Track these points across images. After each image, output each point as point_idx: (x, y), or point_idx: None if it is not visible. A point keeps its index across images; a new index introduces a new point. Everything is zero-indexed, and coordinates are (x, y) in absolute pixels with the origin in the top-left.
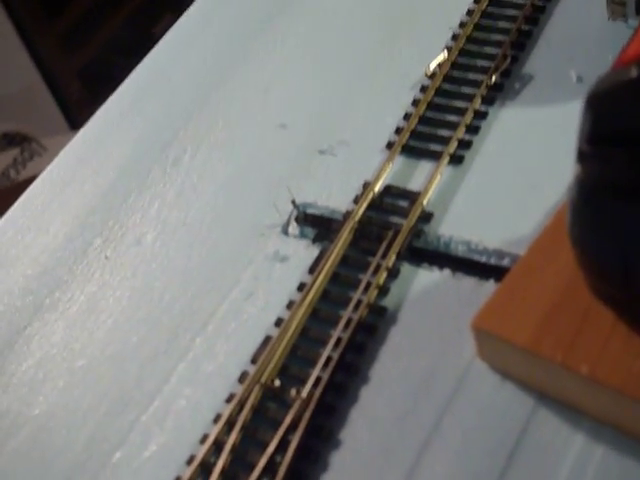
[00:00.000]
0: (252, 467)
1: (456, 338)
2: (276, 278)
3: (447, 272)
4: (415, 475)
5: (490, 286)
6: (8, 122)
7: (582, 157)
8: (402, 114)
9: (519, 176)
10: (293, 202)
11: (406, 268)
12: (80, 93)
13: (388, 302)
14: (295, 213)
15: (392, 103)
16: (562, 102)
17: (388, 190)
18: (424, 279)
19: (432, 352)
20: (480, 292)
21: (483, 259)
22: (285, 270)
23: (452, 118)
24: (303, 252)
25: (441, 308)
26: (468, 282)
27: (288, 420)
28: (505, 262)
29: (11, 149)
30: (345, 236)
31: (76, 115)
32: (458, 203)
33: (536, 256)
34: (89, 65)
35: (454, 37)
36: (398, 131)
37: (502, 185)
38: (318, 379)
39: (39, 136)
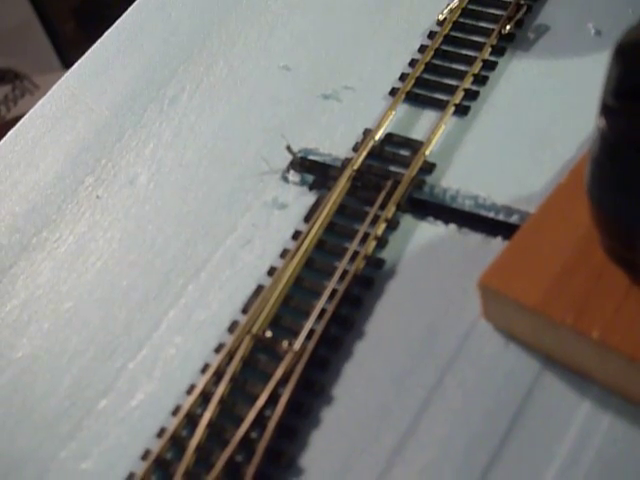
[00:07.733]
0: (240, 420)
1: (459, 296)
2: (274, 226)
3: (452, 227)
4: (412, 436)
5: (497, 243)
6: (0, 59)
7: (607, 111)
8: (409, 61)
9: (529, 130)
10: (288, 148)
11: (408, 221)
12: (74, 32)
13: (386, 255)
14: (292, 159)
15: (401, 49)
16: (578, 55)
17: (389, 138)
18: (428, 233)
19: (433, 309)
20: (487, 249)
21: (491, 215)
22: (284, 218)
23: (460, 67)
24: (303, 200)
25: (445, 264)
26: (474, 238)
27: (279, 373)
28: (514, 219)
29: (2, 86)
30: (342, 184)
31: (69, 54)
32: (464, 156)
33: (549, 213)
34: (84, 4)
35: None
36: (402, 78)
37: (510, 139)
38: (311, 332)
39: (31, 74)
